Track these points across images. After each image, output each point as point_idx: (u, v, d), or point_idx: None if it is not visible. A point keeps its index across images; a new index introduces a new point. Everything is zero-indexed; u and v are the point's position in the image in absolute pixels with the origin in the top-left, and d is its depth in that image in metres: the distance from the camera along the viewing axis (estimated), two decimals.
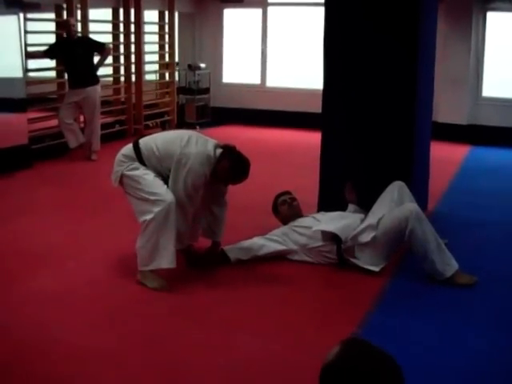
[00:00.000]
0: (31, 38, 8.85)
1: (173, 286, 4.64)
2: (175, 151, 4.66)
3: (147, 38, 11.71)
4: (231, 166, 4.72)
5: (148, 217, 4.56)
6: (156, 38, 12.23)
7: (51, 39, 9.52)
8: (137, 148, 4.75)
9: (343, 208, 5.55)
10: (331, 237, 4.99)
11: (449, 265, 4.75)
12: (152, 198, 4.58)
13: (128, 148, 4.82)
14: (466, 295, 4.62)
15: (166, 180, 4.70)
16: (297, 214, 5.43)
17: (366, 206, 5.44)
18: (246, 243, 5.18)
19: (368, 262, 4.94)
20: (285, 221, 5.43)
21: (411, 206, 4.94)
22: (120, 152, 4.85)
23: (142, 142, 4.81)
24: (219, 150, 4.75)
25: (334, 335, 3.82)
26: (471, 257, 5.33)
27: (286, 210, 5.44)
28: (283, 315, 4.31)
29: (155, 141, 4.81)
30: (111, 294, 4.58)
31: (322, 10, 6.20)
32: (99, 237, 5.79)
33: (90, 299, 4.48)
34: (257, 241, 5.20)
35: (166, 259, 4.58)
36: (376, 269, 4.91)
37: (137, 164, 4.71)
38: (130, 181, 4.70)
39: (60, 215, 6.45)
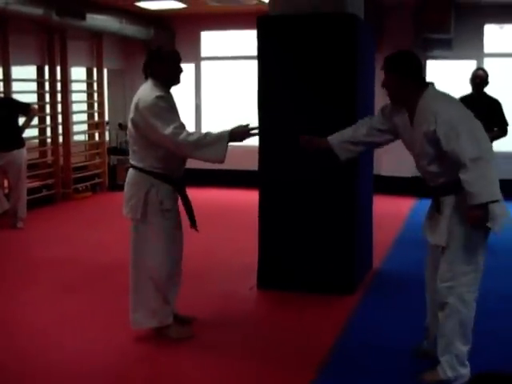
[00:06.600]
0: None
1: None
2: None
3: (75, 96, 11.38)
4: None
5: None
6: (84, 96, 11.89)
7: None
8: None
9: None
10: None
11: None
12: None
13: None
14: None
15: None
16: None
17: None
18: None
19: None
20: None
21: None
22: None
23: None
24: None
25: None
26: (419, 315, 4.99)
27: None
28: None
29: None
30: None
31: (255, 63, 6.03)
32: (28, 310, 5.43)
33: None
34: None
35: None
36: None
37: None
38: None
39: None
